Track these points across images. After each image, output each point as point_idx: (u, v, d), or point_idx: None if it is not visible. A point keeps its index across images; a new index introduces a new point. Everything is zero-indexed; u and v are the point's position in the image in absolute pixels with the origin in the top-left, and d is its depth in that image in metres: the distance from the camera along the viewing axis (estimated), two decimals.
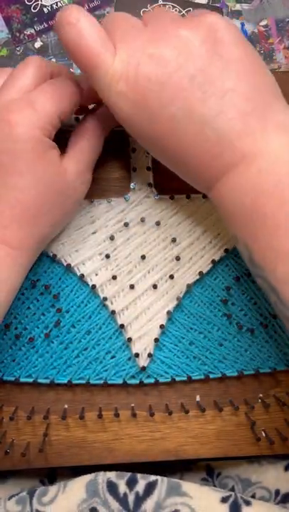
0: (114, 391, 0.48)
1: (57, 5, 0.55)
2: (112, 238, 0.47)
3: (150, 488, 0.44)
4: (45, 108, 0.39)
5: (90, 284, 0.47)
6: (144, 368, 0.47)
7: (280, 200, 0.36)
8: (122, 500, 0.43)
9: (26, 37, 0.55)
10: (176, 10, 0.55)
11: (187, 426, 0.48)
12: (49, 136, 0.40)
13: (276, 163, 0.37)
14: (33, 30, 0.55)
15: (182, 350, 0.47)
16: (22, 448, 0.47)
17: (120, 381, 0.47)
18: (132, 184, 0.48)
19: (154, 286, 0.47)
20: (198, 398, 0.48)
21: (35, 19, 0.55)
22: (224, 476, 0.51)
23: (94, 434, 0.48)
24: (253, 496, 0.50)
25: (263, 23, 0.55)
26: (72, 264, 0.47)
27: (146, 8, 0.55)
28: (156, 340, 0.47)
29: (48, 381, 0.47)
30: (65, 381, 0.47)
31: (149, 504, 0.43)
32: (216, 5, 0.55)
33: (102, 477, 0.44)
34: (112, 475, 0.44)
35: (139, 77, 0.37)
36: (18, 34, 0.54)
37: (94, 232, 0.47)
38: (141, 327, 0.47)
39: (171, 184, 0.46)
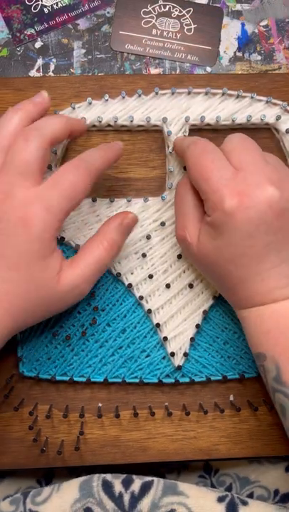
0: (149, 390, 0.48)
1: (57, 5, 0.55)
2: (148, 237, 0.47)
3: (146, 487, 0.43)
4: (60, 207, 0.40)
5: (126, 282, 0.47)
6: (179, 367, 0.47)
7: None
8: (118, 500, 0.43)
9: (27, 37, 0.54)
10: (176, 10, 0.55)
11: (221, 425, 0.48)
12: (57, 235, 0.41)
13: None
14: (33, 31, 0.55)
15: (217, 349, 0.48)
16: (56, 446, 0.47)
17: (155, 380, 0.47)
18: (169, 184, 0.48)
19: (190, 286, 0.47)
20: (231, 397, 0.48)
21: (36, 19, 0.55)
22: (222, 474, 0.51)
23: (128, 432, 0.48)
24: (251, 495, 0.50)
25: (264, 23, 0.55)
26: None
27: (147, 8, 0.55)
28: (192, 339, 0.47)
29: (83, 379, 0.47)
30: (101, 379, 0.47)
31: (145, 504, 0.43)
32: (217, 5, 0.55)
33: (98, 477, 0.44)
34: (107, 476, 0.44)
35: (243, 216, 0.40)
36: (18, 34, 0.54)
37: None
38: (176, 326, 0.47)
39: None
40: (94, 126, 0.48)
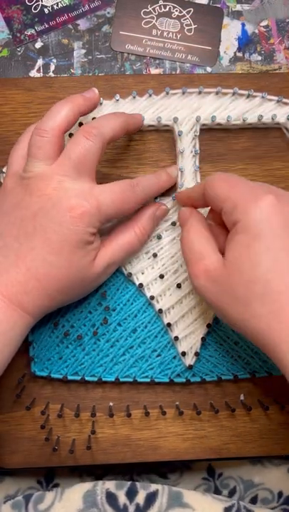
0: (160, 389, 0.48)
1: (57, 5, 0.55)
2: (159, 237, 0.48)
3: (151, 499, 0.43)
4: (107, 211, 0.42)
5: (137, 282, 0.47)
6: (190, 367, 0.47)
7: None
8: None
9: (27, 37, 0.54)
10: (176, 10, 0.55)
11: (232, 424, 0.48)
12: (99, 226, 0.42)
13: None
14: (33, 31, 0.55)
15: (227, 349, 0.48)
16: (68, 445, 0.47)
17: (166, 379, 0.47)
18: (180, 183, 0.48)
19: None
20: (242, 397, 0.48)
21: (36, 20, 0.55)
22: (226, 477, 0.51)
23: (139, 431, 0.48)
24: (255, 497, 0.50)
25: (264, 23, 0.55)
26: None
27: (147, 8, 0.55)
28: (203, 339, 0.47)
29: (95, 379, 0.47)
30: (112, 379, 0.47)
31: None
32: (217, 5, 0.55)
33: (101, 487, 0.44)
34: (111, 485, 0.44)
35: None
36: (18, 34, 0.54)
37: None
38: (187, 326, 0.47)
39: None
40: None
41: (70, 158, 0.41)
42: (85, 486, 0.44)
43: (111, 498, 0.43)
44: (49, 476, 0.51)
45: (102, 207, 0.41)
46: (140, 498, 0.43)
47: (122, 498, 0.43)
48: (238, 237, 0.38)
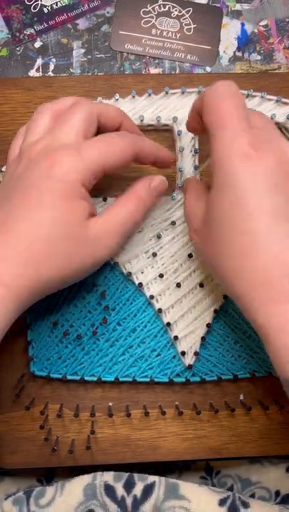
0: (159, 389, 0.48)
1: (57, 5, 0.55)
2: (158, 237, 0.47)
3: (148, 490, 0.43)
4: (92, 157, 0.39)
5: (137, 282, 0.47)
6: (190, 366, 0.47)
7: None
8: (120, 503, 0.43)
9: (26, 37, 0.55)
10: (176, 10, 0.55)
11: (231, 424, 0.48)
12: (87, 185, 0.40)
13: None
14: (33, 30, 0.55)
15: (227, 348, 0.48)
16: (67, 445, 0.47)
17: (166, 379, 0.47)
18: (179, 183, 0.48)
19: (201, 285, 0.47)
20: (241, 397, 0.48)
21: (35, 19, 0.55)
22: (223, 475, 0.51)
23: (138, 431, 0.48)
24: (252, 496, 0.50)
25: (263, 23, 0.55)
26: (118, 263, 0.47)
27: (146, 8, 0.55)
28: (202, 338, 0.47)
29: (94, 379, 0.47)
30: (112, 379, 0.47)
31: (147, 507, 0.43)
32: (216, 5, 0.55)
33: (100, 479, 0.44)
34: (109, 477, 0.44)
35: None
36: (18, 34, 0.55)
37: (140, 231, 0.48)
38: (187, 325, 0.47)
39: None
40: None
41: (59, 124, 0.41)
42: (85, 479, 0.44)
43: (109, 490, 0.43)
44: (49, 476, 0.51)
45: (82, 154, 0.39)
46: (137, 489, 0.43)
47: (120, 490, 0.43)
48: (212, 189, 0.38)
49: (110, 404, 0.48)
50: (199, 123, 0.41)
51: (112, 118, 0.43)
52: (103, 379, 0.47)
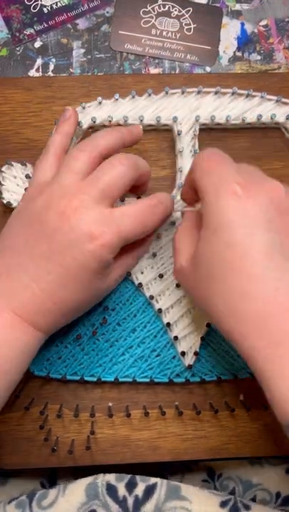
0: (159, 389, 0.48)
1: (56, 5, 0.55)
2: (158, 237, 0.47)
3: (149, 491, 0.43)
4: (128, 236, 0.40)
5: (136, 282, 0.47)
6: (190, 366, 0.47)
7: None
8: (122, 504, 0.43)
9: (26, 37, 0.55)
10: (176, 10, 0.55)
11: (231, 424, 0.48)
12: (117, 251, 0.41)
13: None
14: (32, 30, 0.55)
15: (227, 349, 0.48)
16: (67, 445, 0.47)
17: (166, 379, 0.47)
18: (179, 183, 0.48)
19: None
20: (241, 397, 0.48)
21: (35, 19, 0.55)
22: (225, 478, 0.51)
23: (138, 432, 0.48)
24: (254, 498, 0.50)
25: (263, 22, 0.55)
26: None
27: (146, 8, 0.55)
28: (202, 338, 0.47)
29: (94, 379, 0.47)
30: (112, 379, 0.47)
31: (148, 508, 0.43)
32: (216, 5, 0.55)
33: (102, 480, 0.44)
34: (111, 477, 0.44)
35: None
36: (17, 34, 0.54)
37: None
38: (187, 325, 0.47)
39: None
40: (104, 125, 0.48)
41: (100, 179, 0.40)
42: (87, 480, 0.44)
43: (111, 489, 0.43)
44: (52, 479, 0.51)
45: (122, 233, 0.40)
46: (139, 490, 0.43)
47: (122, 490, 0.43)
48: (202, 231, 0.38)
49: (110, 404, 0.48)
50: (193, 194, 0.42)
51: (144, 177, 0.43)
52: (103, 379, 0.47)
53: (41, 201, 0.40)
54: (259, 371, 0.35)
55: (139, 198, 0.46)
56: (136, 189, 0.44)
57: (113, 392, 0.48)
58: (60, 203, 0.39)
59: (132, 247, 0.44)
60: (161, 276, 0.47)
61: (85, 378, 0.47)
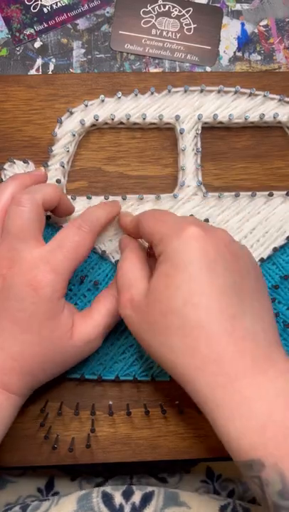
0: (160, 388, 0.48)
1: (56, 5, 0.55)
2: None
3: (147, 498, 0.43)
4: (64, 267, 0.40)
5: None
6: None
7: None
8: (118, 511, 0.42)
9: (26, 37, 0.55)
10: (176, 10, 0.55)
11: None
12: (64, 291, 0.41)
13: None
14: (32, 30, 0.55)
15: None
16: (67, 443, 0.46)
17: (167, 378, 0.47)
18: (181, 181, 0.48)
19: None
20: None
21: (35, 19, 0.55)
22: (224, 479, 0.51)
23: (139, 430, 0.48)
24: (254, 499, 0.50)
25: (263, 23, 0.56)
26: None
27: (146, 7, 0.55)
28: None
29: (94, 377, 0.47)
30: (112, 377, 0.47)
31: None
32: (216, 5, 0.55)
33: (97, 491, 0.43)
34: (107, 488, 0.44)
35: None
36: (17, 34, 0.54)
37: None
38: None
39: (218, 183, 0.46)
40: (106, 123, 0.48)
41: (12, 230, 0.40)
42: (81, 492, 0.44)
43: (106, 497, 0.43)
44: (49, 484, 0.50)
45: (57, 269, 0.40)
46: (136, 497, 0.43)
47: (118, 498, 0.43)
48: (160, 266, 0.38)
49: (110, 402, 0.48)
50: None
51: (52, 200, 0.43)
52: (103, 377, 0.47)
53: None
54: (210, 409, 0.36)
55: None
56: (59, 211, 0.45)
57: (114, 391, 0.48)
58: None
59: (100, 307, 0.43)
60: None
61: (86, 376, 0.47)
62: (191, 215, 0.47)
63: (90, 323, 0.42)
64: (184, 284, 0.36)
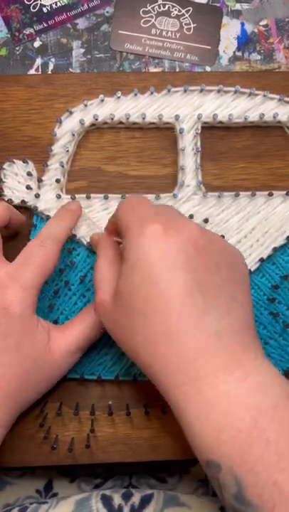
0: None
1: (56, 4, 0.55)
2: None
3: (146, 500, 0.43)
4: (33, 283, 0.40)
5: None
6: None
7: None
8: None
9: (26, 36, 0.55)
10: (175, 9, 0.55)
11: None
12: (34, 306, 0.41)
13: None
14: (32, 30, 0.55)
15: None
16: (67, 444, 0.46)
17: None
18: (180, 181, 0.48)
19: None
20: None
21: (35, 19, 0.55)
22: None
23: (138, 430, 0.47)
24: None
25: (263, 22, 0.56)
26: None
27: (146, 7, 0.55)
28: None
29: (94, 377, 0.47)
30: (112, 378, 0.47)
31: None
32: (216, 4, 0.55)
33: (96, 494, 0.43)
34: (106, 491, 0.44)
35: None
36: (17, 34, 0.55)
37: None
38: None
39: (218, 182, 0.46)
40: (106, 123, 0.48)
41: None
42: (80, 495, 0.44)
43: (105, 498, 0.43)
44: (48, 486, 0.50)
45: (25, 286, 0.40)
46: (136, 499, 0.43)
47: (117, 500, 0.43)
48: (123, 265, 0.38)
49: (110, 402, 0.48)
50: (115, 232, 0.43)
51: (4, 216, 0.43)
52: (103, 378, 0.47)
53: None
54: (174, 408, 0.36)
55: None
56: (11, 225, 0.45)
57: (113, 391, 0.48)
58: None
59: (79, 320, 0.44)
60: None
61: (85, 377, 0.47)
62: (191, 215, 0.47)
63: (68, 336, 0.43)
64: (142, 285, 0.36)
